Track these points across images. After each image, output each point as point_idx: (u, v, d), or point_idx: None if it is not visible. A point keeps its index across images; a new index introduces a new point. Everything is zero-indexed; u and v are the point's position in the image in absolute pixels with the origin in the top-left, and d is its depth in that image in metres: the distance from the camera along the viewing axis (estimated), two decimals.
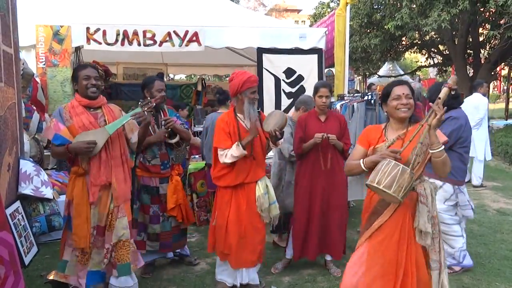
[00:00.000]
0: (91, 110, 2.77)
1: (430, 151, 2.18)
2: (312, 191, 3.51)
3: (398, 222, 2.27)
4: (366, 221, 2.41)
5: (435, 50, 15.18)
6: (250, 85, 3.02)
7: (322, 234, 3.52)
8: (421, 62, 22.59)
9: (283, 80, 5.76)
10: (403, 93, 2.31)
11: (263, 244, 3.19)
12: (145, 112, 2.85)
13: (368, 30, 12.76)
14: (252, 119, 3.02)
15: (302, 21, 44.31)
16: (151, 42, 5.34)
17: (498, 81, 21.09)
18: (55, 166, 5.04)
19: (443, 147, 2.18)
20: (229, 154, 2.97)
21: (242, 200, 3.08)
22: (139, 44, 5.31)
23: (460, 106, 3.61)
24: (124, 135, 2.90)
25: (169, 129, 3.40)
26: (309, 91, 5.76)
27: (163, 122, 3.41)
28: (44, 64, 5.20)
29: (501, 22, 10.50)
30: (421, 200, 2.24)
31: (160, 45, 5.37)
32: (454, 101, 3.50)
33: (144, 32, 5.29)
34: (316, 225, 3.50)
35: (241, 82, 3.01)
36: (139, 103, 2.84)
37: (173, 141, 3.46)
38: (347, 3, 5.92)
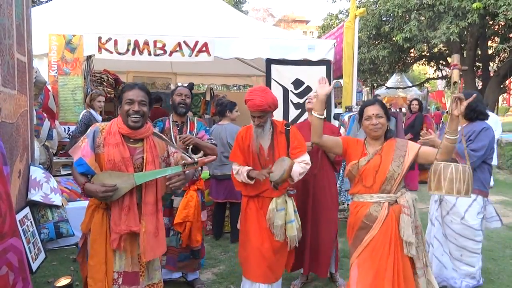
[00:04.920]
0: (131, 141, 2.27)
1: (450, 137, 2.24)
2: (303, 200, 3.38)
3: (387, 235, 2.37)
4: (354, 237, 2.51)
5: (444, 63, 15.17)
6: (250, 108, 2.86)
7: (312, 248, 3.40)
8: (429, 74, 22.54)
9: (291, 91, 5.79)
10: (373, 113, 2.45)
11: (282, 262, 3.03)
12: (185, 173, 2.34)
13: (377, 42, 12.80)
14: (255, 148, 2.87)
15: (310, 32, 44.57)
16: (161, 52, 5.40)
17: (507, 94, 20.96)
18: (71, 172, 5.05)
19: (458, 136, 2.26)
20: (241, 174, 2.91)
21: (261, 211, 2.96)
22: (149, 54, 5.38)
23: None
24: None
25: (189, 147, 3.13)
26: None
27: (180, 140, 3.10)
28: (56, 72, 5.29)
29: (511, 35, 10.49)
30: (405, 211, 2.35)
31: (170, 55, 5.44)
32: (485, 112, 3.43)
33: (155, 42, 5.36)
34: (306, 238, 3.37)
35: (245, 101, 2.89)
36: (183, 162, 2.33)
37: (196, 157, 3.13)
38: (356, 15, 5.95)
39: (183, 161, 2.32)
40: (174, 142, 3.14)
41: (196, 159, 2.36)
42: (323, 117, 2.51)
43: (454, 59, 2.30)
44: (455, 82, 2.22)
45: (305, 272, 3.47)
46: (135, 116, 2.21)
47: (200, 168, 3.44)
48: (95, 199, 2.25)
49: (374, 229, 2.39)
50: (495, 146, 6.68)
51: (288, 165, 2.71)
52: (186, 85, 3.60)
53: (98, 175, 2.19)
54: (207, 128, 3.43)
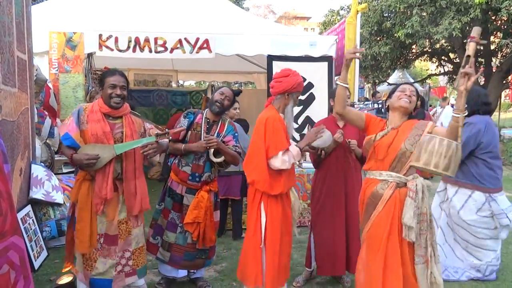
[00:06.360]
0: (110, 118, 2.65)
1: (455, 115, 2.23)
2: (334, 199, 3.33)
3: (389, 215, 2.40)
4: (363, 212, 2.57)
5: (446, 58, 15.08)
6: (300, 89, 2.88)
7: (348, 248, 3.36)
8: (431, 70, 22.44)
9: None
10: (410, 89, 2.51)
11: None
12: (158, 142, 2.70)
13: (378, 38, 12.73)
14: (289, 123, 2.89)
15: (311, 29, 44.38)
16: (162, 49, 5.37)
17: (510, 89, 20.87)
18: (72, 170, 5.02)
19: (464, 114, 2.23)
20: (295, 154, 2.75)
21: (288, 210, 2.84)
22: (150, 51, 5.35)
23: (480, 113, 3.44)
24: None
25: (211, 149, 3.08)
26: (318, 99, 5.75)
27: (204, 139, 3.06)
28: (56, 70, 5.27)
29: None
30: (409, 194, 2.36)
31: (171, 52, 5.40)
32: (483, 107, 3.39)
33: (156, 39, 5.33)
34: (342, 239, 3.33)
35: (296, 83, 2.80)
36: (156, 133, 2.70)
37: (216, 160, 3.09)
38: (357, 11, 5.91)
39: (156, 132, 2.70)
40: (201, 138, 3.12)
41: (167, 130, 2.72)
42: (347, 85, 2.56)
43: (474, 31, 2.08)
44: (468, 56, 2.03)
45: (344, 272, 3.42)
46: (117, 98, 2.59)
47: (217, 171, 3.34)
48: (82, 172, 2.63)
49: (380, 205, 2.43)
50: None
51: (330, 135, 2.88)
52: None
53: (83, 147, 2.54)
54: (236, 134, 3.26)
